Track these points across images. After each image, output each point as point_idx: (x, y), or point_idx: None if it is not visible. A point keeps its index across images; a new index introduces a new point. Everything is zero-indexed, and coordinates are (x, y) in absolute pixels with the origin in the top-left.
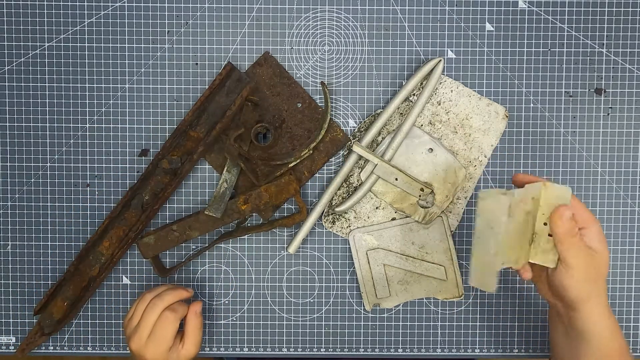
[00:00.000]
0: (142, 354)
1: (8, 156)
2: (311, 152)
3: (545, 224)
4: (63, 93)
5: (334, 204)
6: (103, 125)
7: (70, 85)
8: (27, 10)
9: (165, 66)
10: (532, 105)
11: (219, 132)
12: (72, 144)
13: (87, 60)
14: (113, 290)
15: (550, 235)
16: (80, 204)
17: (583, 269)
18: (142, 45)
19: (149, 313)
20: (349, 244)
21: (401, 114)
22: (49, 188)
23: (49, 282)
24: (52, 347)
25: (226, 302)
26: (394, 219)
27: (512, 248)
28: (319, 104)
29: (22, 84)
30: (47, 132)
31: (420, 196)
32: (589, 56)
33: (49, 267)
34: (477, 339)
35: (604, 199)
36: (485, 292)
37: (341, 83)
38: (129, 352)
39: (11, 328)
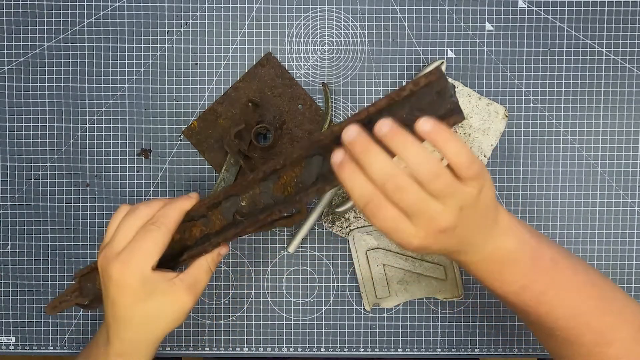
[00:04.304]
0: (108, 270)
1: (8, 156)
2: None
3: None
4: (63, 93)
5: (334, 204)
6: (103, 125)
7: (70, 85)
8: (27, 10)
9: (165, 66)
10: (532, 105)
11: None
12: (72, 144)
13: (87, 60)
14: None
15: None
16: (80, 204)
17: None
18: (142, 45)
19: (128, 222)
20: (348, 244)
21: None
22: (48, 188)
23: (49, 282)
24: (52, 347)
25: (226, 302)
26: None
27: None
28: (320, 105)
29: (22, 84)
30: (47, 132)
31: None
32: (589, 56)
33: (49, 267)
34: (477, 339)
35: (603, 198)
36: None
37: (341, 83)
38: None
39: (11, 328)
